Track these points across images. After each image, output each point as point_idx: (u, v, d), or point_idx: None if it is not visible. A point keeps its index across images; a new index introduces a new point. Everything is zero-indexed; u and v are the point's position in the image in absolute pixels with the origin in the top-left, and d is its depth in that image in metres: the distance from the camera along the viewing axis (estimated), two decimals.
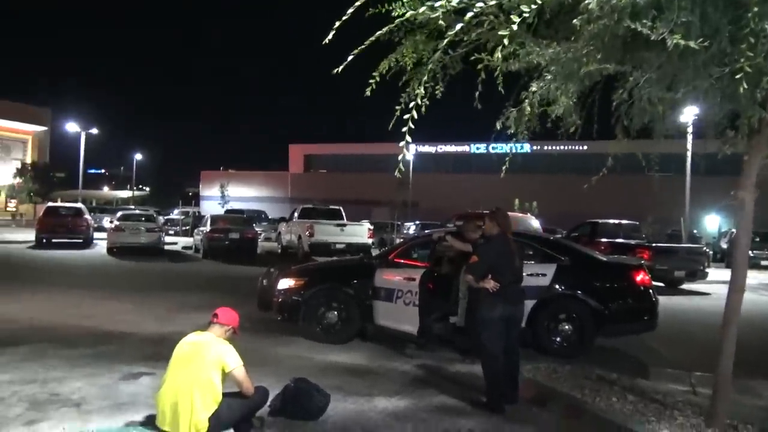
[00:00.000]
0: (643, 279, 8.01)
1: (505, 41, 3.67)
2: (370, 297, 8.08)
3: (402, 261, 8.26)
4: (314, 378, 5.89)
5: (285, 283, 8.60)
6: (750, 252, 20.71)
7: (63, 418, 4.91)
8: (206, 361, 4.10)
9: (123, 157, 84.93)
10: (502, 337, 5.38)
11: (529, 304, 7.85)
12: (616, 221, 19.79)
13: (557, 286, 7.87)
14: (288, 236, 22.20)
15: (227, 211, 38.08)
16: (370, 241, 20.47)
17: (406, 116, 3.85)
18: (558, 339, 7.82)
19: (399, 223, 37.35)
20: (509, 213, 20.52)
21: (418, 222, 35.23)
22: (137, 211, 26.32)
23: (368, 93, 4.74)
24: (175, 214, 46.91)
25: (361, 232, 20.12)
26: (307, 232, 19.40)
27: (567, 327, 7.83)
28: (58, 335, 7.94)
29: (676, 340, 9.15)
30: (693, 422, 5.01)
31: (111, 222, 23.93)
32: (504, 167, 5.01)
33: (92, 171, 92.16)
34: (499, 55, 3.96)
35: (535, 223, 18.58)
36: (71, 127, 39.19)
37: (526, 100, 4.15)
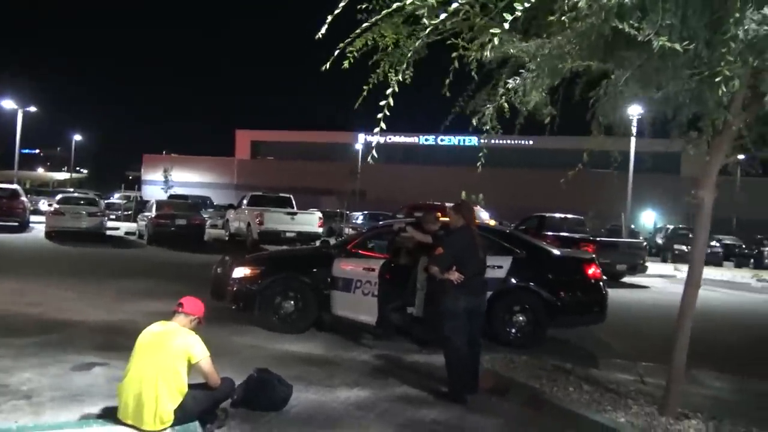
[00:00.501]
0: (594, 272, 8.26)
1: (496, 40, 3.70)
2: (328, 286, 8.04)
3: (360, 251, 8.25)
4: (273, 368, 5.80)
5: (240, 272, 8.46)
6: (684, 247, 21.66)
7: (13, 410, 4.69)
8: (172, 352, 4.00)
9: (59, 137, 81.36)
10: (465, 328, 5.44)
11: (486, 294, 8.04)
12: (562, 215, 20.32)
13: (513, 279, 8.02)
14: (236, 223, 21.84)
15: (171, 197, 37.13)
16: (320, 230, 20.35)
17: (382, 102, 3.82)
18: (513, 330, 7.98)
19: (348, 212, 37.26)
20: None
21: (366, 212, 35.15)
22: (78, 194, 25.34)
23: (346, 65, 4.72)
24: (116, 198, 45.48)
25: (311, 221, 19.96)
26: (256, 220, 19.13)
27: (521, 318, 8.00)
28: (0, 323, 7.58)
29: (621, 332, 9.47)
30: (647, 411, 5.21)
31: (49, 205, 22.97)
32: (480, 161, 5.03)
33: (26, 151, 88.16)
34: (489, 47, 3.98)
35: (484, 215, 18.88)
36: (7, 104, 37.30)
37: (502, 96, 4.18)
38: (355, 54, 4.77)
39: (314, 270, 8.22)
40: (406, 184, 52.84)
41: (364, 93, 5.10)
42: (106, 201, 36.59)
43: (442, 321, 5.50)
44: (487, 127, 4.69)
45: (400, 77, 5.15)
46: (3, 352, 6.27)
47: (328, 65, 4.72)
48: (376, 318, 7.49)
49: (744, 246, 30.49)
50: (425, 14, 4.80)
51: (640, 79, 3.35)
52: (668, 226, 34.17)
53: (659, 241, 33.73)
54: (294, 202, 22.03)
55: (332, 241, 14.98)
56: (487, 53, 4.41)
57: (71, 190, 39.24)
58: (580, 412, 5.16)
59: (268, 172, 59.15)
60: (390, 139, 61.06)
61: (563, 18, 2.91)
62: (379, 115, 4.00)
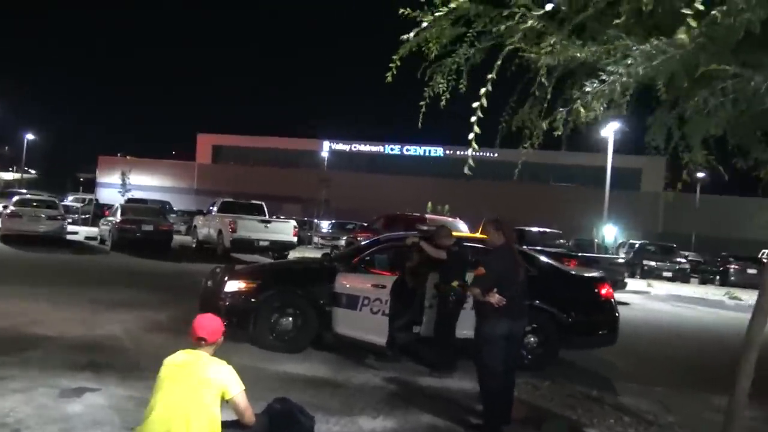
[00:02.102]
0: (607, 292, 7.98)
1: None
2: (330, 303, 7.53)
3: (365, 267, 7.79)
4: (280, 393, 5.32)
5: (234, 286, 7.88)
6: (653, 263, 21.83)
7: None
8: (204, 386, 3.46)
9: (5, 135, 77.60)
10: (503, 354, 5.04)
11: None
12: (541, 230, 20.18)
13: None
14: (205, 230, 20.99)
15: (128, 200, 35.72)
16: (295, 239, 19.70)
17: (472, 118, 3.43)
18: (524, 352, 7.61)
19: (318, 221, 36.61)
20: (437, 216, 20.31)
21: (334, 221, 34.55)
22: (36, 196, 24.03)
23: (389, 79, 4.32)
24: (70, 200, 43.61)
25: (286, 230, 19.30)
26: (229, 228, 18.37)
27: (533, 339, 7.66)
28: None
29: (621, 352, 9.18)
30: None
31: (4, 207, 21.67)
32: (468, 172, 4.54)
33: None
34: (558, 51, 3.60)
35: (463, 227, 18.55)
36: None
37: (578, 101, 3.81)
38: (397, 63, 4.36)
39: (315, 285, 7.71)
40: (370, 194, 52.44)
41: (423, 109, 4.71)
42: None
43: (479, 347, 5.08)
44: (560, 134, 4.28)
45: (445, 83, 4.81)
46: None
47: (390, 77, 4.34)
48: (386, 339, 7.01)
49: (704, 262, 31.06)
50: (477, 14, 4.45)
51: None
52: (632, 241, 34.52)
53: (621, 256, 33.92)
54: (266, 210, 21.34)
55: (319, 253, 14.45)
56: (552, 59, 4.05)
57: (24, 191, 37.41)
58: None
59: (230, 178, 57.79)
60: (354, 147, 60.68)
61: (713, 12, 2.53)
62: (471, 136, 3.62)
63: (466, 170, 3.72)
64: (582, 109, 3.76)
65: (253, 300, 7.67)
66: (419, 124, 5.07)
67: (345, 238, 31.16)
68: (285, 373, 6.65)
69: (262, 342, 7.55)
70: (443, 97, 4.68)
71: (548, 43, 3.94)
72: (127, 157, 65.97)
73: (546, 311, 7.69)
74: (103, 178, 61.73)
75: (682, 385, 7.56)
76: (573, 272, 8.38)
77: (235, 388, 3.55)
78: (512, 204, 49.11)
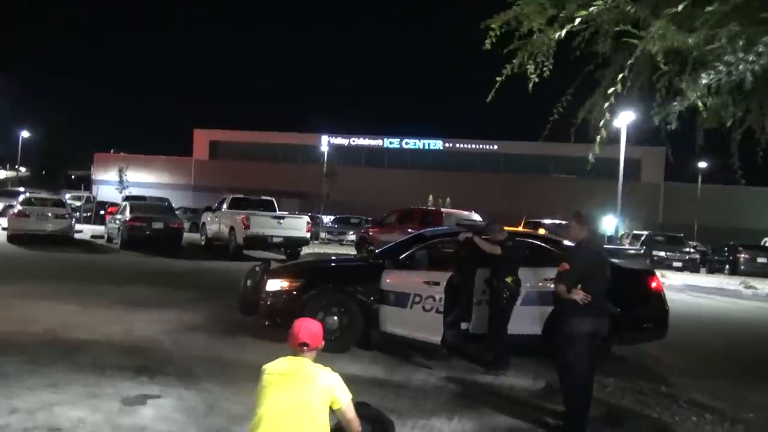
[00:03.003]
0: (657, 285, 7.82)
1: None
2: (377, 301, 7.33)
3: (411, 263, 7.58)
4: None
5: (276, 284, 7.66)
6: (663, 253, 21.72)
7: None
8: (315, 396, 3.26)
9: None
10: (588, 354, 4.86)
11: (547, 309, 7.47)
12: (558, 221, 20.02)
13: None
14: (215, 227, 20.67)
15: (127, 198, 35.22)
16: (308, 234, 19.41)
17: (600, 123, 3.21)
18: None
19: (321, 216, 36.34)
20: (452, 210, 20.11)
21: (337, 215, 34.27)
22: (43, 195, 23.63)
23: (488, 46, 4.16)
24: (68, 198, 43.12)
25: (299, 225, 19.01)
26: (242, 224, 18.09)
27: None
28: (8, 346, 6.56)
29: (661, 345, 9.00)
30: None
31: (10, 206, 21.28)
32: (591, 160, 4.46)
33: None
34: (667, 38, 3.41)
35: (477, 218, 18.36)
36: None
37: (693, 93, 3.62)
38: (498, 32, 4.16)
39: (362, 282, 7.50)
40: (370, 187, 52.20)
41: (497, 85, 4.51)
42: None
43: (564, 346, 4.89)
44: (672, 126, 4.09)
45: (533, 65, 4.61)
46: (32, 383, 5.34)
47: (488, 45, 4.16)
48: (440, 336, 6.83)
49: (712, 252, 31.05)
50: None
51: None
52: (635, 232, 34.49)
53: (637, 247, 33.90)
54: (276, 206, 21.06)
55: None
56: (655, 46, 3.86)
57: (21, 189, 36.94)
58: None
59: (228, 173, 57.24)
60: (353, 141, 60.27)
61: None
62: (598, 138, 3.44)
63: (590, 158, 3.53)
64: (699, 103, 3.58)
65: (297, 299, 7.46)
66: (488, 98, 4.87)
67: (352, 233, 30.94)
68: (342, 374, 6.44)
69: None
70: (533, 76, 4.49)
71: (657, 27, 3.75)
72: (122, 154, 65.29)
73: None
74: (99, 175, 61.07)
75: (739, 377, 7.41)
76: (622, 266, 8.19)
77: (345, 396, 3.35)
78: (513, 196, 49.08)
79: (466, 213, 18.59)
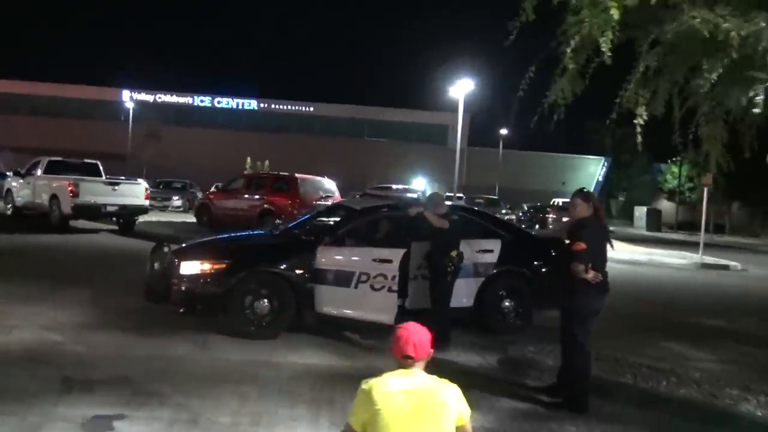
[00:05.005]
0: None
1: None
2: (310, 280, 6.83)
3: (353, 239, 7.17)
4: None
5: (194, 267, 6.79)
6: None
7: None
8: (445, 414, 2.85)
9: None
10: (591, 330, 4.96)
11: (479, 281, 7.58)
12: (401, 186, 20.44)
13: (502, 263, 7.67)
14: (27, 193, 17.86)
15: None
16: (147, 202, 17.56)
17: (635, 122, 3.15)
18: (501, 316, 7.68)
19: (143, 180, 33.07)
20: (306, 176, 19.49)
21: (160, 179, 31.55)
22: None
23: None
24: None
25: (137, 192, 17.05)
26: (68, 191, 15.78)
27: (508, 303, 7.73)
28: None
29: None
30: None
31: None
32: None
33: None
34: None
35: (332, 186, 18.07)
36: None
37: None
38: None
39: (293, 261, 6.91)
40: (180, 148, 49.03)
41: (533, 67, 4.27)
42: None
43: (576, 326, 4.92)
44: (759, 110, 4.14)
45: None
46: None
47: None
48: (393, 316, 6.56)
49: (524, 213, 34.08)
50: None
51: None
52: (448, 193, 36.59)
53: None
54: (102, 169, 18.72)
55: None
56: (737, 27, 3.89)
57: None
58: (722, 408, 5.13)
59: (10, 130, 49.75)
60: (160, 98, 55.90)
61: None
62: (638, 130, 3.35)
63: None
64: None
65: (223, 283, 6.68)
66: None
67: (177, 198, 28.81)
68: (296, 364, 5.92)
69: (238, 329, 6.66)
70: (606, 50, 4.33)
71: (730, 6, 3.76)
72: None
73: (521, 275, 7.82)
74: None
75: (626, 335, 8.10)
76: (539, 236, 8.55)
77: (467, 410, 2.98)
78: (327, 158, 49.19)
79: (318, 178, 18.15)
